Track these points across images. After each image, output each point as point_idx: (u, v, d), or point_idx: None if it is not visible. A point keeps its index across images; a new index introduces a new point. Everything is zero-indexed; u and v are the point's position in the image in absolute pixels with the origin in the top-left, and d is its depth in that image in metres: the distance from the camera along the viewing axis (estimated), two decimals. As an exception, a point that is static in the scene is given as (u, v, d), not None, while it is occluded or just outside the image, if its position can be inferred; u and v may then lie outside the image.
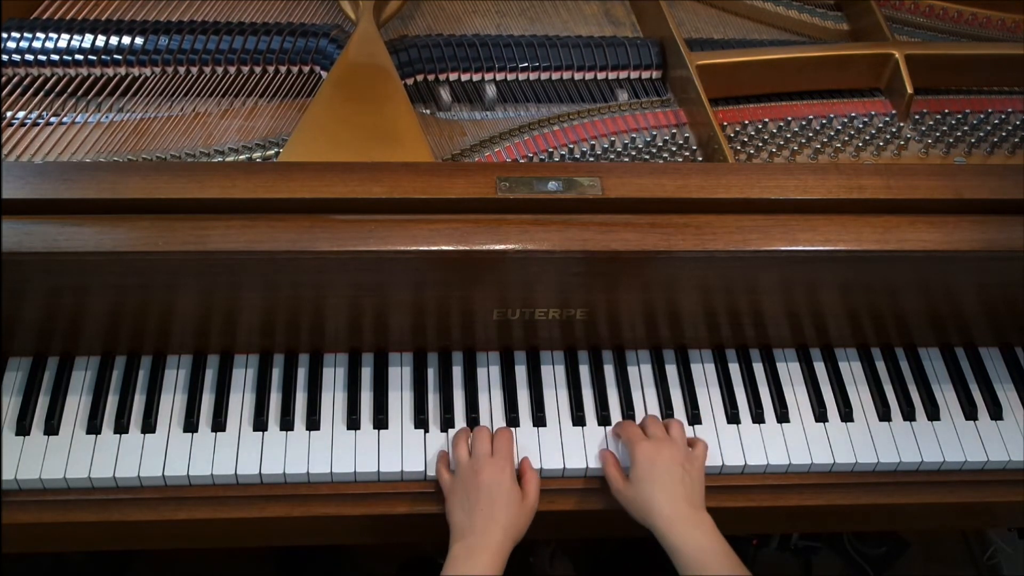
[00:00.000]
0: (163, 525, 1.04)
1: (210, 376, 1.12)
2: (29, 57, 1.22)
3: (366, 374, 1.13)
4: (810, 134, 1.26)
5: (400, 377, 1.13)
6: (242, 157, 1.15)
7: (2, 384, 1.09)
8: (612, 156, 1.21)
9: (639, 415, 1.12)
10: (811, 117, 1.29)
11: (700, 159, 1.21)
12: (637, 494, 1.00)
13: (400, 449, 1.07)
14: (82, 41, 1.23)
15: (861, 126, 1.28)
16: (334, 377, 1.13)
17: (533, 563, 1.71)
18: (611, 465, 1.05)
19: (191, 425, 1.07)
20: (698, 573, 0.93)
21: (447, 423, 1.09)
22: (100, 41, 1.24)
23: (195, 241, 0.97)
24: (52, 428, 1.06)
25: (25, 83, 1.22)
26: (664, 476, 1.00)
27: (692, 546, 0.94)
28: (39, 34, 1.23)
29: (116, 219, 0.98)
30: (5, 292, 1.00)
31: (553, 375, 1.15)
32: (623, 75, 1.30)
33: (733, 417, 1.13)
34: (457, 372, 1.14)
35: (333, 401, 1.11)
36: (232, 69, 1.25)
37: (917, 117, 1.30)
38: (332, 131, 1.13)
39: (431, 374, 1.14)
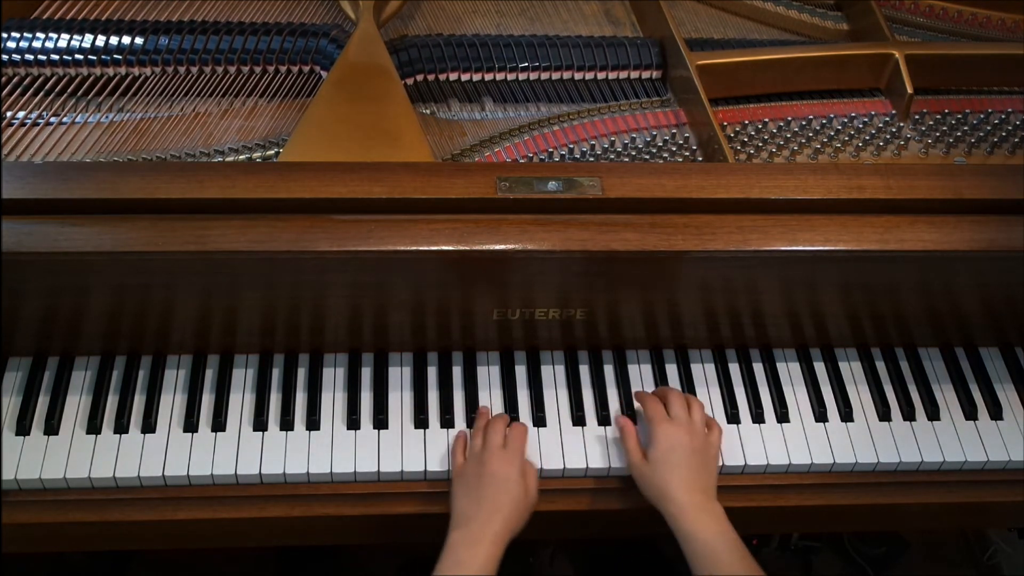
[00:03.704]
0: (163, 525, 1.04)
1: (210, 376, 1.12)
2: (29, 57, 1.22)
3: (366, 374, 1.13)
4: (810, 134, 1.26)
5: (400, 377, 1.13)
6: (242, 157, 1.15)
7: (2, 384, 1.09)
8: (612, 156, 1.20)
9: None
10: (811, 117, 1.29)
11: (700, 159, 1.21)
12: (654, 475, 1.01)
13: (400, 449, 1.07)
14: (82, 41, 1.23)
15: (861, 126, 1.28)
16: (334, 377, 1.13)
17: (533, 563, 1.71)
18: (631, 437, 1.06)
19: (191, 425, 1.07)
20: (710, 560, 0.94)
21: (447, 423, 1.09)
22: (100, 41, 1.24)
23: (195, 241, 0.97)
24: (52, 428, 1.06)
25: (25, 83, 1.22)
26: (682, 462, 1.01)
27: (705, 534, 0.95)
28: (39, 34, 1.23)
29: (116, 219, 0.98)
30: (5, 292, 1.00)
31: (553, 375, 1.15)
32: (623, 75, 1.30)
33: (733, 417, 1.13)
34: (457, 372, 1.14)
35: (333, 401, 1.11)
36: (232, 69, 1.25)
37: (917, 117, 1.30)
38: (332, 131, 1.13)
39: (431, 374, 1.14)
